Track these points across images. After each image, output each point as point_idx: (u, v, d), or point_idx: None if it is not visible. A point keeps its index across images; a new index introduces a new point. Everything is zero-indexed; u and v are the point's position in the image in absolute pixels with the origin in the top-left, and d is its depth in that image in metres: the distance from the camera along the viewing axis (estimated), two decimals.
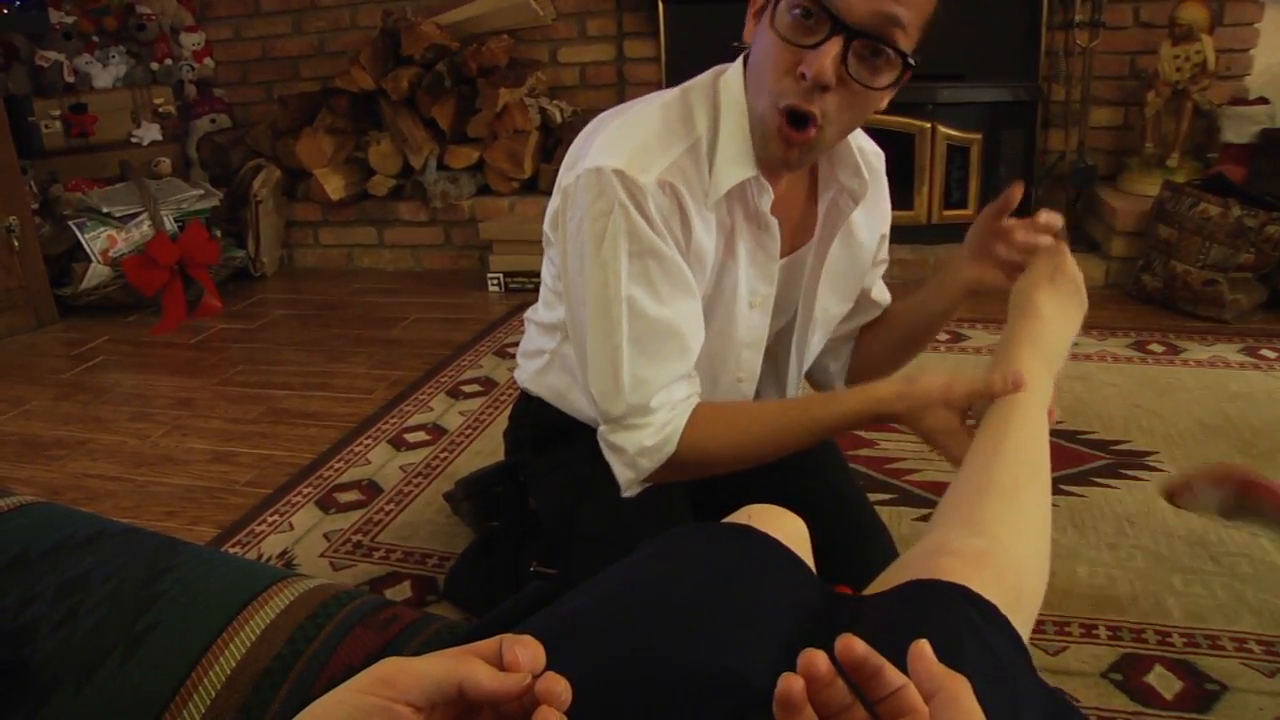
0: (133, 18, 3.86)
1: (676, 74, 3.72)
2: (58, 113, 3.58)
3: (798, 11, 1.02)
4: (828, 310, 1.37)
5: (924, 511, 1.85)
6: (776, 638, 0.67)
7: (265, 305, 3.55)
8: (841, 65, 1.02)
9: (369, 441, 2.27)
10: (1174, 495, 1.45)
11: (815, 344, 1.39)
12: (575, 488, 1.34)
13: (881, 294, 1.47)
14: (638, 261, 1.11)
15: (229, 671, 0.78)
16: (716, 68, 1.22)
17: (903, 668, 0.48)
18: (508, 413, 1.61)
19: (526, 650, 0.50)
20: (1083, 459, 2.04)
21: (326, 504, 1.99)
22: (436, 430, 2.32)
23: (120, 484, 2.15)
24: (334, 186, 3.81)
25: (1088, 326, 2.87)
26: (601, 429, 1.20)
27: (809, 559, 0.88)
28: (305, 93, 3.99)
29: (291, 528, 1.90)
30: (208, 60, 4.22)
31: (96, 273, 3.31)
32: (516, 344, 2.85)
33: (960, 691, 0.47)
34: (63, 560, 0.89)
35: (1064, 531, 1.77)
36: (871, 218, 1.35)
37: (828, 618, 0.72)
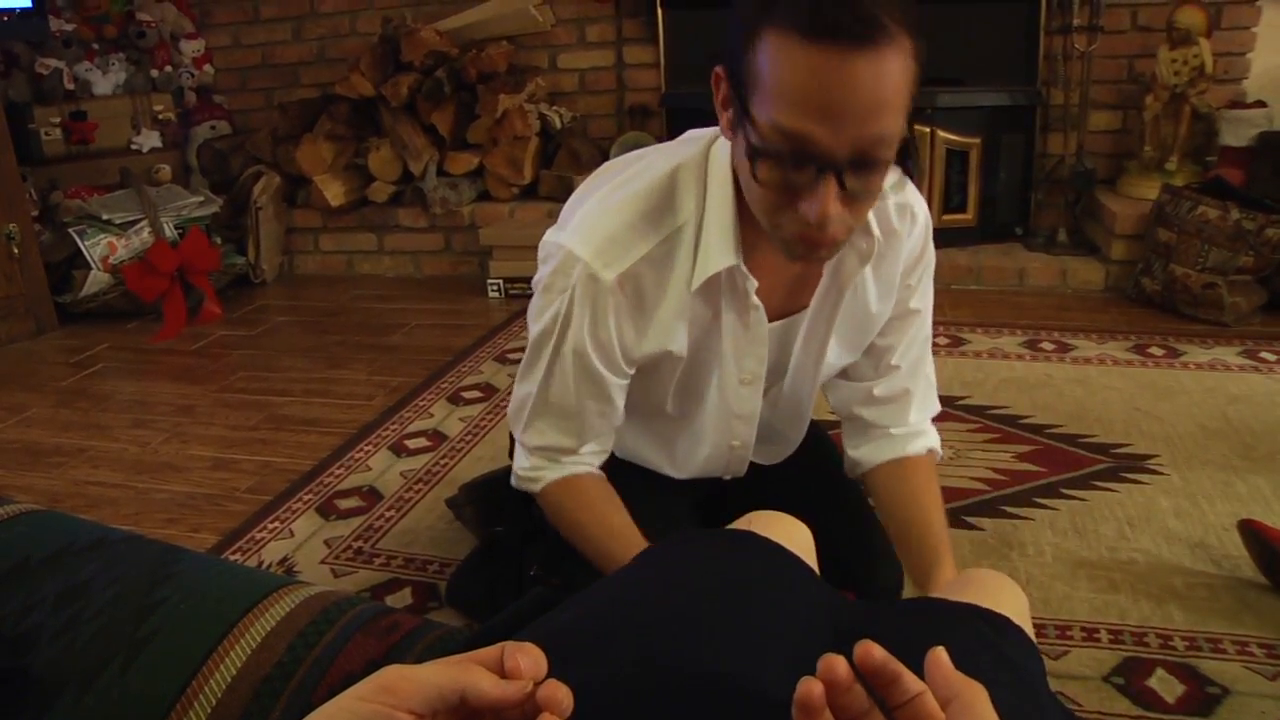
0: (133, 25, 3.87)
1: (675, 80, 3.75)
2: (58, 120, 3.59)
3: (774, 162, 0.95)
4: (830, 364, 1.32)
5: None
6: (783, 643, 0.66)
7: (265, 312, 3.55)
8: (841, 190, 0.95)
9: (369, 448, 2.27)
10: None
11: (811, 389, 1.36)
12: None
13: (912, 366, 1.36)
14: (564, 351, 1.19)
15: (230, 679, 0.78)
16: (711, 134, 1.16)
17: (918, 675, 0.48)
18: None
19: (528, 657, 0.50)
20: (1083, 462, 2.04)
21: (327, 510, 1.99)
22: (437, 436, 2.32)
23: (121, 491, 2.15)
24: (334, 193, 3.81)
25: (1088, 330, 2.88)
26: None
27: (814, 565, 0.88)
28: (305, 99, 4.00)
29: (292, 534, 1.90)
30: (208, 67, 4.22)
31: (97, 280, 3.32)
32: (517, 349, 2.86)
33: (976, 699, 0.47)
34: (63, 568, 0.89)
35: (1065, 535, 1.77)
36: (886, 280, 1.26)
37: (837, 623, 0.72)
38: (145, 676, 0.78)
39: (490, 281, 3.54)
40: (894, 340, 1.33)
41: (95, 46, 3.79)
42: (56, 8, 3.71)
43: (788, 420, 1.42)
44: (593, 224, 1.15)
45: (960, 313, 3.06)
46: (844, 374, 1.37)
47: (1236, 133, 3.12)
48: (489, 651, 0.50)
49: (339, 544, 1.85)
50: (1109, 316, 2.99)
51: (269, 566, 1.78)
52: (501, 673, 0.49)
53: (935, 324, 1.41)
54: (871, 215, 1.14)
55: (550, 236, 1.20)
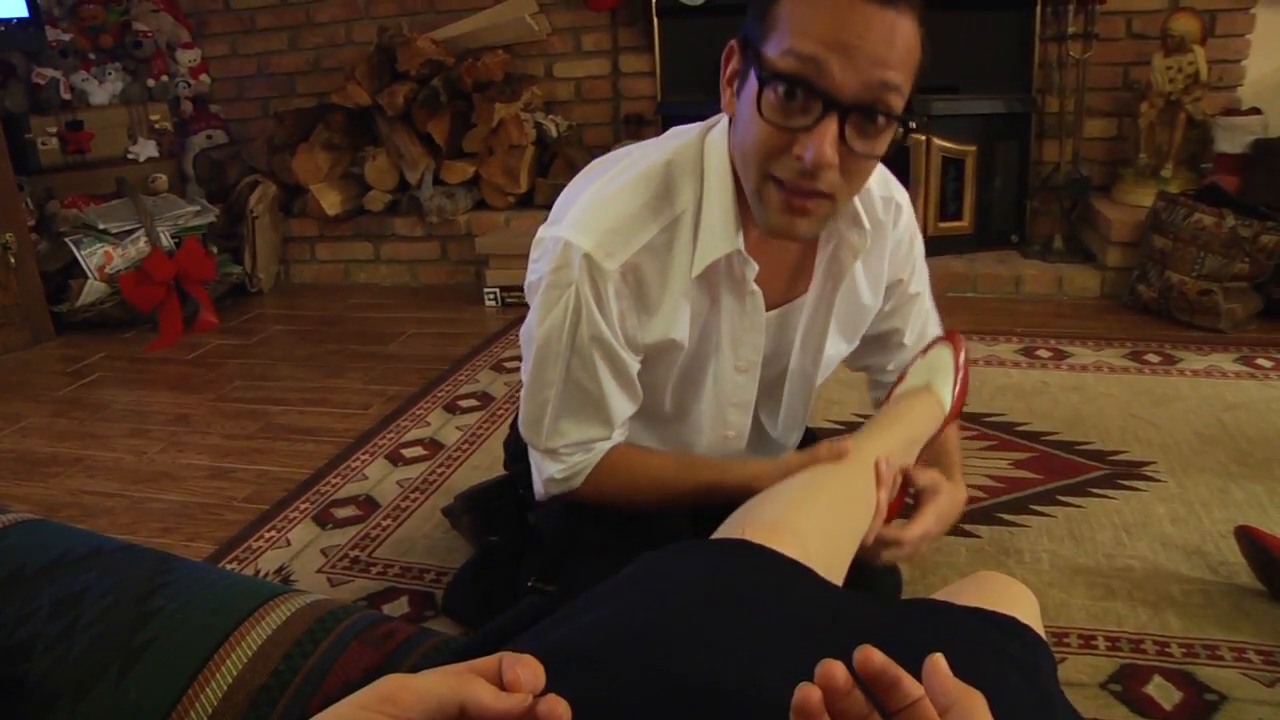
0: (129, 35, 3.87)
1: (671, 88, 3.75)
2: (54, 130, 3.59)
3: (783, 91, 0.98)
4: (830, 354, 1.36)
5: None
6: (783, 649, 0.66)
7: (262, 321, 3.55)
8: (840, 141, 0.98)
9: (366, 457, 2.27)
10: None
11: (811, 384, 1.39)
12: (576, 501, 1.34)
13: (918, 337, 1.45)
14: (581, 340, 1.17)
15: (225, 687, 0.78)
16: (703, 126, 1.19)
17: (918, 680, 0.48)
18: (505, 426, 1.61)
19: (527, 669, 0.50)
20: (1080, 470, 2.04)
21: (324, 519, 1.98)
22: (433, 445, 2.32)
23: (117, 500, 2.15)
24: (330, 202, 3.81)
25: (1084, 337, 2.88)
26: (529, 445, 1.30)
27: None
28: (301, 109, 4.00)
29: (289, 543, 1.90)
30: (204, 77, 4.23)
31: (93, 289, 3.31)
32: (513, 358, 2.86)
33: (975, 707, 0.47)
34: (59, 577, 0.88)
35: (1061, 542, 1.77)
36: (874, 271, 1.32)
37: (841, 625, 0.72)
38: (141, 685, 0.77)
39: (487, 290, 3.54)
40: (899, 323, 1.42)
41: (92, 56, 3.79)
42: (53, 17, 3.72)
43: (787, 421, 1.42)
44: (591, 216, 1.15)
45: (956, 320, 3.05)
46: (860, 365, 1.47)
47: (1231, 140, 3.13)
48: (486, 662, 0.50)
49: (335, 553, 1.85)
50: (1105, 323, 2.99)
51: (265, 575, 1.78)
52: (499, 684, 0.49)
53: None
54: (861, 209, 1.19)
55: (545, 233, 1.20)
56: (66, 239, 3.31)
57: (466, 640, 0.85)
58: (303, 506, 2.04)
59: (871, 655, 0.46)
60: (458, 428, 2.41)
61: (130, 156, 3.81)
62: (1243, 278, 2.82)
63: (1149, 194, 3.14)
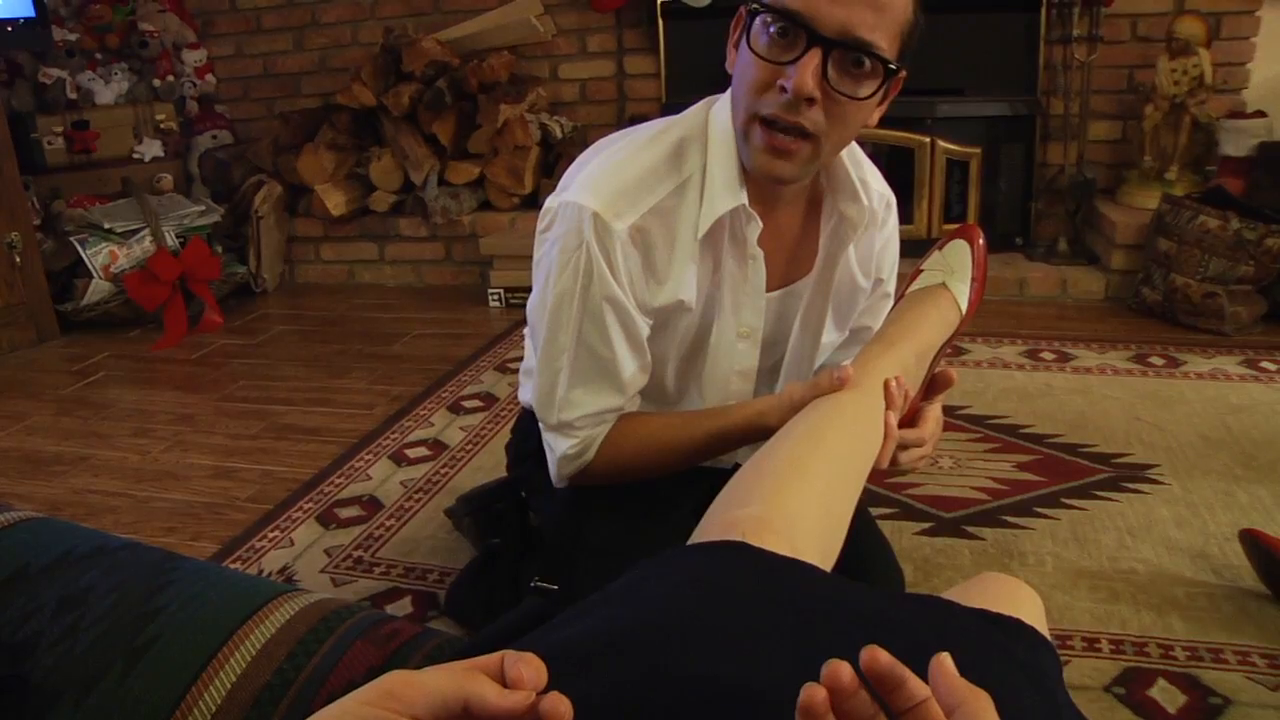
0: (135, 35, 3.88)
1: (676, 90, 3.76)
2: (60, 129, 3.60)
3: (773, 29, 1.04)
4: (825, 342, 1.37)
5: (925, 525, 1.85)
6: (789, 648, 0.66)
7: (266, 321, 3.56)
8: (822, 78, 1.03)
9: (370, 457, 2.27)
10: None
11: (808, 371, 1.40)
12: (578, 500, 1.34)
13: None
14: (593, 301, 1.17)
15: (229, 686, 0.78)
16: (708, 99, 1.23)
17: (926, 681, 0.48)
18: (509, 428, 1.61)
19: (530, 667, 0.50)
20: (1084, 472, 2.04)
21: (327, 519, 1.98)
22: (437, 445, 2.32)
23: (121, 499, 2.15)
24: (335, 202, 3.82)
25: (1088, 339, 2.88)
26: (541, 425, 1.30)
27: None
28: (307, 109, 4.01)
29: (292, 543, 1.90)
30: (210, 77, 4.23)
31: (98, 288, 3.32)
32: (517, 359, 2.86)
33: (981, 708, 0.47)
34: (63, 575, 0.89)
35: (1066, 545, 1.77)
36: (863, 258, 1.34)
37: (842, 624, 0.72)
38: (144, 684, 0.78)
39: (491, 291, 3.55)
40: (870, 321, 1.42)
41: (98, 56, 3.80)
42: (60, 17, 3.73)
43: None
44: (600, 180, 1.17)
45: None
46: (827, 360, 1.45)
47: (1236, 142, 3.13)
48: (489, 659, 0.50)
49: (339, 553, 1.85)
50: (1109, 326, 2.99)
51: (269, 575, 1.78)
52: (502, 682, 0.49)
53: None
54: (861, 188, 1.23)
55: (553, 200, 1.21)
56: (72, 238, 3.32)
57: (469, 641, 0.85)
58: (306, 506, 2.04)
59: (878, 655, 0.46)
60: (462, 428, 2.41)
61: (136, 156, 3.82)
62: (1247, 280, 2.81)
63: (1154, 197, 3.13)
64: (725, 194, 1.16)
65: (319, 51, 4.17)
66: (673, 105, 3.72)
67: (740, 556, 0.79)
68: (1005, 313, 3.15)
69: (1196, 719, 1.32)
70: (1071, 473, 2.04)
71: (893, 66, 1.06)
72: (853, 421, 1.08)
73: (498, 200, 3.78)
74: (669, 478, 1.39)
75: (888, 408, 1.10)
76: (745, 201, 1.16)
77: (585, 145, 3.93)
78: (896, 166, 3.29)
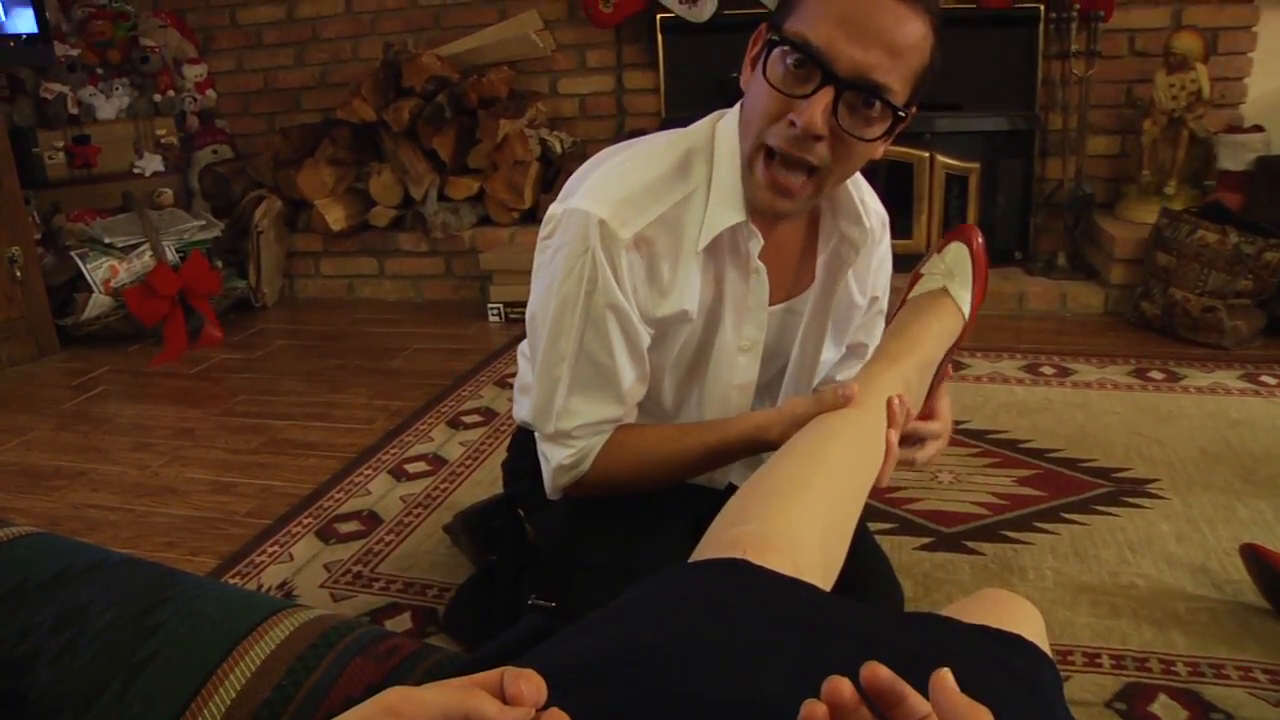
0: (136, 50, 3.89)
1: (675, 105, 3.76)
2: (61, 144, 3.60)
3: (790, 62, 1.05)
4: (824, 359, 1.38)
5: (924, 540, 1.85)
6: (790, 666, 0.66)
7: (266, 335, 3.56)
8: (832, 116, 1.04)
9: (369, 472, 2.27)
10: None
11: (807, 389, 1.40)
12: (575, 518, 1.34)
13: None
14: (596, 309, 1.17)
15: (229, 703, 0.77)
16: (716, 112, 1.24)
17: (926, 697, 0.48)
18: (508, 443, 1.61)
19: (529, 684, 0.50)
20: (1084, 487, 2.04)
21: (326, 534, 1.98)
22: (437, 461, 2.32)
23: (120, 514, 2.15)
24: (335, 217, 3.82)
25: (1088, 354, 2.88)
26: (537, 435, 1.29)
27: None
28: (307, 124, 4.02)
29: (291, 558, 1.89)
30: (210, 92, 4.25)
31: (98, 303, 3.32)
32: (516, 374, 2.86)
33: None
34: (61, 591, 0.88)
35: (1066, 560, 1.76)
36: (860, 278, 1.35)
37: (843, 642, 0.72)
38: (143, 700, 0.77)
39: (490, 306, 3.55)
40: (865, 338, 1.43)
41: (99, 71, 3.81)
42: (62, 33, 3.74)
43: None
44: (606, 188, 1.17)
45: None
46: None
47: (1234, 157, 3.14)
48: (489, 676, 0.50)
49: (338, 568, 1.85)
50: (1109, 340, 2.99)
51: (268, 590, 1.78)
52: (503, 698, 0.49)
53: None
54: (862, 209, 1.24)
55: (557, 207, 1.20)
56: (72, 252, 3.32)
57: (468, 658, 0.85)
58: (305, 521, 2.04)
59: (878, 671, 0.46)
60: (461, 443, 2.41)
61: (136, 171, 3.83)
62: (1246, 294, 2.82)
63: (1152, 211, 3.14)
64: (727, 209, 1.16)
65: (319, 67, 4.19)
66: (672, 120, 3.73)
67: (742, 574, 0.78)
68: (1004, 327, 3.15)
69: None
70: (1071, 488, 2.04)
71: (901, 113, 1.07)
72: (855, 440, 1.08)
73: (497, 215, 3.78)
74: (664, 495, 1.39)
75: (889, 426, 1.10)
76: (746, 220, 1.17)
77: (584, 160, 3.93)
78: (896, 181, 3.30)
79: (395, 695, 0.49)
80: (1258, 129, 3.19)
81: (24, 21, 3.35)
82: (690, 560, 0.86)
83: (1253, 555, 1.59)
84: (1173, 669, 1.45)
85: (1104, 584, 1.68)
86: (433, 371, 3.01)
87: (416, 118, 3.68)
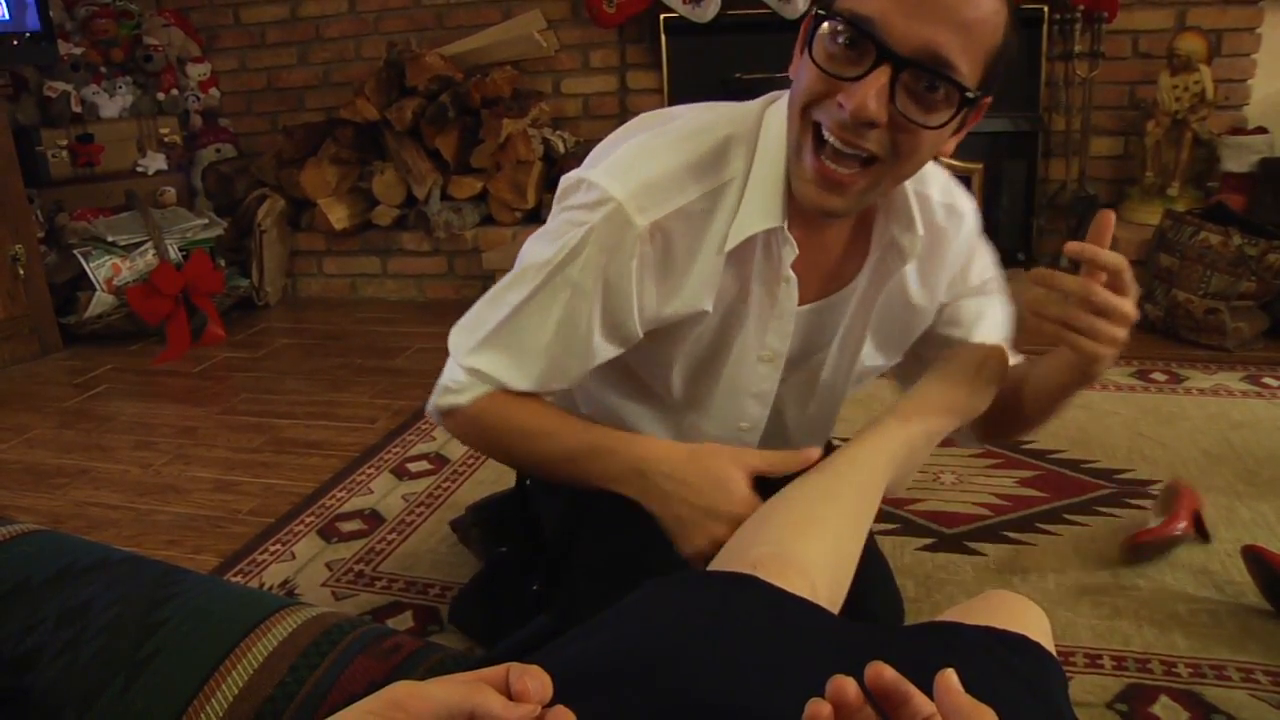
0: (140, 49, 3.89)
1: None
2: (65, 143, 3.61)
3: (840, 39, 0.91)
4: (865, 363, 1.29)
5: (926, 541, 1.85)
6: (795, 672, 0.66)
7: (269, 334, 3.56)
8: (889, 100, 0.90)
9: (371, 471, 2.27)
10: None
11: (841, 392, 1.33)
12: (578, 506, 1.32)
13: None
14: (562, 282, 1.08)
15: (231, 699, 0.77)
16: (769, 95, 1.11)
17: (931, 698, 0.48)
18: None
19: (535, 680, 0.50)
20: (1086, 488, 2.04)
21: (329, 533, 1.98)
22: (439, 460, 2.32)
23: (122, 512, 2.15)
24: (338, 216, 3.83)
25: None
26: (450, 348, 1.22)
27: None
28: (310, 123, 4.02)
29: (294, 557, 1.89)
30: (213, 91, 4.25)
31: (101, 301, 3.33)
32: None
33: None
34: (64, 588, 0.89)
35: (1068, 561, 1.76)
36: (931, 281, 1.23)
37: (850, 646, 0.72)
38: (146, 697, 0.77)
39: None
40: (964, 333, 1.31)
41: (103, 70, 3.82)
42: (65, 32, 3.74)
43: (808, 426, 1.35)
44: (631, 165, 1.06)
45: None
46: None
47: (1238, 159, 3.13)
48: (495, 671, 0.50)
49: (340, 567, 1.85)
50: None
51: (270, 589, 1.78)
52: (507, 694, 0.49)
53: None
54: (917, 212, 1.12)
55: (577, 174, 1.11)
56: (75, 251, 3.33)
57: (478, 657, 0.85)
58: (308, 520, 2.04)
59: (883, 671, 0.46)
60: None
61: (139, 170, 3.83)
62: (1249, 296, 2.81)
63: (1155, 213, 3.14)
64: (762, 211, 1.05)
65: (322, 66, 4.19)
66: None
67: (752, 589, 0.79)
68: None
69: None
70: (1074, 489, 2.04)
71: (971, 95, 0.92)
72: (863, 473, 1.09)
73: (500, 215, 3.78)
74: None
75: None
76: (783, 224, 1.05)
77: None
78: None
79: (401, 689, 0.49)
80: (1261, 131, 3.19)
81: (27, 20, 3.35)
82: (699, 571, 0.87)
83: (1254, 557, 1.59)
84: (1174, 670, 1.45)
85: (1106, 585, 1.68)
86: (435, 371, 2.97)
87: (419, 117, 3.68)
